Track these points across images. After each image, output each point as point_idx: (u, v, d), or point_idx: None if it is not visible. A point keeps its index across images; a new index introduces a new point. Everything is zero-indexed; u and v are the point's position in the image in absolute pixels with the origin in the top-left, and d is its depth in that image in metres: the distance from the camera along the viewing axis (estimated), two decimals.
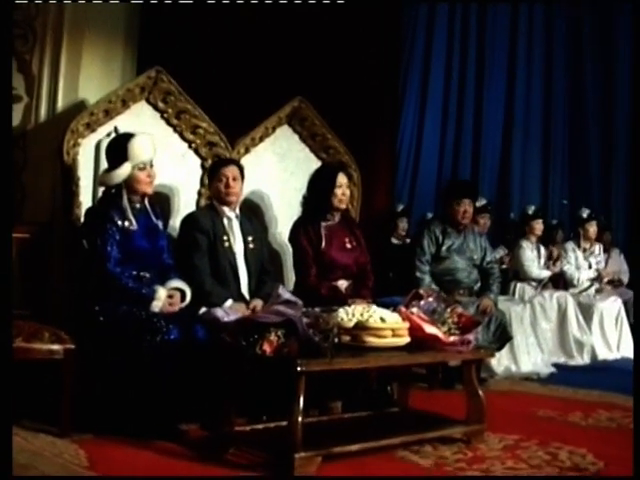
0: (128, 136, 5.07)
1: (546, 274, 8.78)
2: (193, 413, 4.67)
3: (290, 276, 6.21)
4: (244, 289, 5.54)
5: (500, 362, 7.17)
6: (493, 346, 6.52)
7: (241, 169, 5.72)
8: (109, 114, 5.56)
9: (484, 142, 10.70)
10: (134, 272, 4.93)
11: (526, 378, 7.19)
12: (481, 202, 8.39)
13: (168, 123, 5.95)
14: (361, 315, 4.54)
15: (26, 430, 4.55)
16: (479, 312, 6.52)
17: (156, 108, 5.88)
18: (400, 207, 9.29)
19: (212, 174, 5.70)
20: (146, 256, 5.01)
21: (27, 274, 5.16)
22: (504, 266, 8.83)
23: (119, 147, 5.03)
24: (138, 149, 5.01)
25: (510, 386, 6.86)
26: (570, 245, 9.26)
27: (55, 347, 4.58)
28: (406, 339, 4.63)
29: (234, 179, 5.60)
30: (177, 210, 5.93)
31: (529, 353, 7.41)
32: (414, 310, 4.83)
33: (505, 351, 7.12)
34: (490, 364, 7.07)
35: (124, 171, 4.97)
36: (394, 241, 9.01)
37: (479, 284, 6.99)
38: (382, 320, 4.55)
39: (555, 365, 7.74)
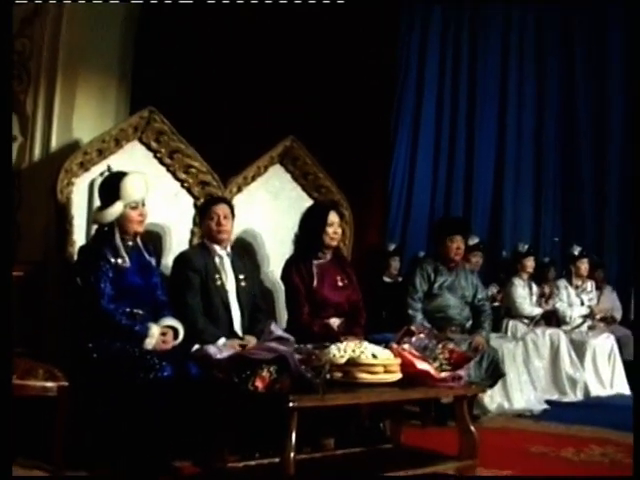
0: (120, 175, 5.15)
1: (538, 311, 8.84)
2: (186, 450, 4.71)
3: (283, 314, 6.25)
4: (237, 326, 5.57)
5: (493, 399, 7.21)
6: (485, 383, 6.58)
7: (231, 207, 5.79)
8: (102, 153, 5.63)
9: (476, 180, 10.77)
10: (127, 309, 4.97)
11: (519, 415, 7.23)
12: (473, 240, 8.47)
13: (161, 162, 6.02)
14: (353, 351, 4.58)
15: (21, 467, 4.60)
16: (471, 349, 6.55)
17: (149, 148, 5.95)
18: (392, 246, 9.35)
19: (203, 212, 5.76)
20: (139, 293, 5.06)
21: (21, 312, 5.20)
22: (496, 304, 8.89)
23: (111, 186, 5.10)
24: (130, 188, 5.07)
25: (503, 423, 6.91)
26: (562, 282, 9.33)
27: (49, 384, 4.63)
28: (398, 375, 4.67)
29: (225, 217, 5.67)
30: (170, 249, 5.97)
31: (522, 390, 7.45)
32: (406, 346, 4.88)
33: (498, 388, 7.16)
34: (483, 401, 7.11)
35: (116, 210, 5.03)
36: (386, 279, 9.07)
37: (471, 321, 7.05)
38: (374, 356, 4.59)
39: (548, 402, 7.77)
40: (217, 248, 5.67)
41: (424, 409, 6.61)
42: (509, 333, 8.56)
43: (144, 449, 4.56)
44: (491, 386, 6.80)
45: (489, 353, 6.73)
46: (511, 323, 8.72)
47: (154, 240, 5.77)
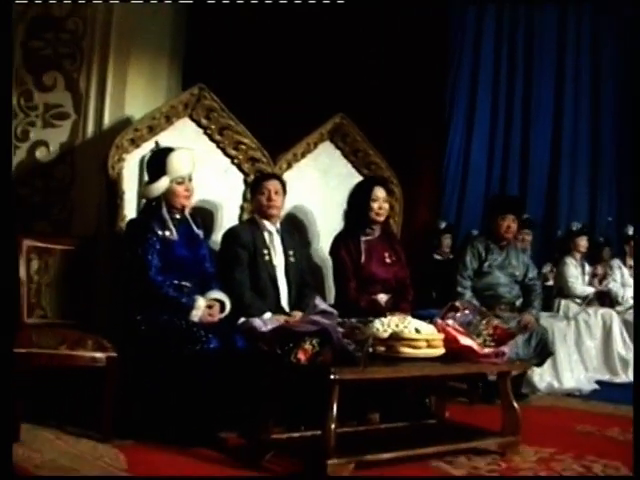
0: (167, 151, 5.27)
1: (590, 291, 8.78)
2: (232, 421, 4.81)
3: (331, 290, 6.34)
4: (284, 301, 5.67)
5: (542, 378, 7.25)
6: (533, 361, 6.63)
7: (283, 184, 5.87)
8: (153, 130, 5.74)
9: (532, 159, 10.73)
10: (175, 281, 5.09)
11: (568, 394, 7.24)
12: (524, 217, 8.42)
13: (211, 139, 6.12)
14: (396, 326, 4.64)
15: (69, 435, 4.74)
16: (520, 327, 6.59)
17: (199, 124, 6.05)
18: (443, 224, 9.34)
19: (254, 188, 5.85)
20: (187, 265, 5.18)
21: (73, 284, 5.34)
22: (548, 283, 8.88)
23: (158, 161, 5.23)
24: (176, 164, 5.19)
25: (552, 402, 6.92)
26: (616, 262, 9.25)
27: (98, 355, 4.78)
28: (441, 350, 4.72)
29: (276, 193, 5.75)
30: (220, 224, 6.08)
31: (572, 370, 7.47)
32: (450, 322, 4.93)
33: (548, 367, 7.20)
34: (532, 380, 7.15)
35: (162, 185, 5.16)
36: (437, 257, 9.08)
37: (521, 300, 7.07)
38: (417, 331, 4.65)
39: (599, 382, 7.77)
40: (267, 224, 5.76)
41: (471, 386, 6.65)
42: (561, 312, 8.54)
43: (190, 420, 4.68)
44: (539, 364, 6.84)
45: (538, 332, 6.74)
46: (563, 302, 8.69)
47: (204, 216, 5.87)
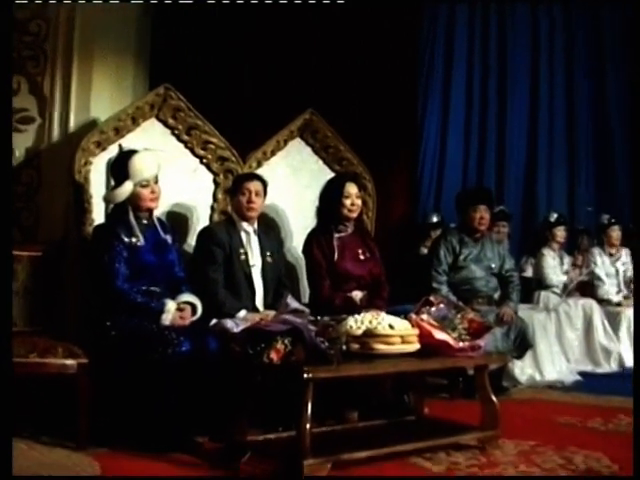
0: (130, 154, 5.27)
1: (564, 279, 8.82)
2: (207, 425, 4.81)
3: (306, 289, 6.37)
4: (259, 302, 5.71)
5: (523, 371, 7.28)
6: (513, 354, 6.68)
7: (265, 185, 5.89)
8: (119, 132, 5.75)
9: (509, 150, 10.68)
10: (143, 287, 5.10)
11: (550, 387, 7.26)
12: (498, 208, 8.45)
13: (179, 139, 6.13)
14: (370, 322, 4.68)
15: (42, 444, 4.74)
16: (498, 320, 6.64)
17: (166, 125, 6.06)
18: (434, 218, 9.26)
19: (235, 187, 5.86)
20: (155, 271, 5.18)
21: (41, 291, 5.34)
22: (526, 274, 8.91)
23: (121, 165, 5.23)
24: (140, 166, 5.19)
25: (533, 394, 6.96)
26: (596, 250, 9.29)
27: (68, 362, 4.77)
28: (416, 346, 4.77)
29: (257, 194, 5.78)
30: (190, 226, 6.11)
31: (553, 361, 7.51)
32: (424, 317, 4.96)
33: (529, 360, 7.23)
34: (513, 373, 7.18)
35: (126, 189, 5.16)
36: (424, 251, 9.03)
37: (499, 293, 7.11)
38: (391, 327, 4.69)
39: (581, 373, 7.80)
40: (244, 224, 5.79)
41: (451, 382, 6.69)
42: (541, 304, 8.57)
43: (165, 425, 4.68)
44: (518, 357, 6.89)
45: (517, 324, 6.78)
46: (543, 294, 8.71)
47: (174, 217, 5.93)
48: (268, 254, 5.84)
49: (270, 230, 6.20)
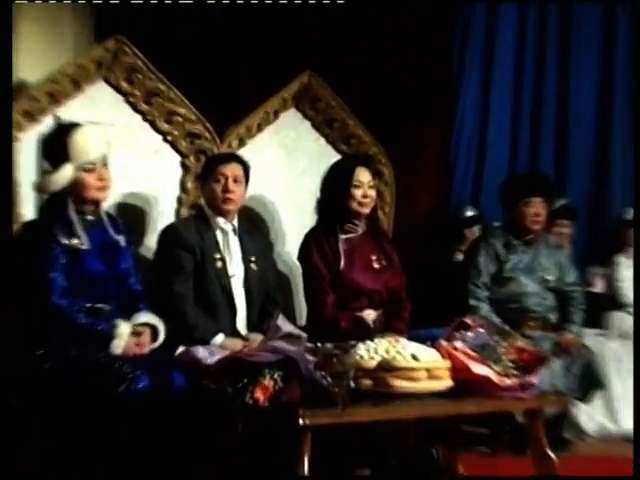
0: (69, 128, 5.16)
1: None
2: None
3: (303, 306, 6.38)
4: (240, 324, 5.74)
5: (592, 418, 7.27)
6: (576, 395, 6.68)
7: (246, 168, 5.92)
8: (56, 98, 5.77)
9: (572, 125, 10.69)
10: (87, 304, 5.04)
11: (627, 439, 7.25)
12: (559, 203, 8.42)
13: (135, 109, 6.18)
14: (386, 352, 4.68)
15: None
16: (557, 350, 6.66)
17: (118, 90, 6.11)
18: (468, 212, 9.18)
19: (206, 173, 5.89)
20: (103, 282, 5.14)
21: None
22: (594, 289, 8.89)
23: (58, 143, 5.12)
24: (82, 145, 5.08)
25: (605, 449, 6.95)
26: None
27: None
28: (447, 382, 4.77)
29: (235, 181, 5.81)
30: (149, 223, 6.17)
31: (631, 405, 7.50)
32: (458, 345, 4.97)
33: (598, 403, 7.23)
34: (578, 421, 7.17)
35: (65, 174, 5.06)
36: (458, 257, 8.99)
37: (557, 313, 7.12)
38: (414, 358, 4.68)
39: None
40: (220, 220, 5.83)
41: (494, 431, 6.70)
42: (614, 329, 8.54)
43: None
44: (584, 399, 6.88)
45: (581, 355, 6.80)
46: (616, 315, 8.67)
47: (129, 212, 5.97)
48: (252, 260, 5.87)
49: (255, 229, 6.24)
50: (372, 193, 6.17)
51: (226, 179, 5.78)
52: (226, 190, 5.77)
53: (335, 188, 6.12)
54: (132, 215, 5.99)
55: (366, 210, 6.17)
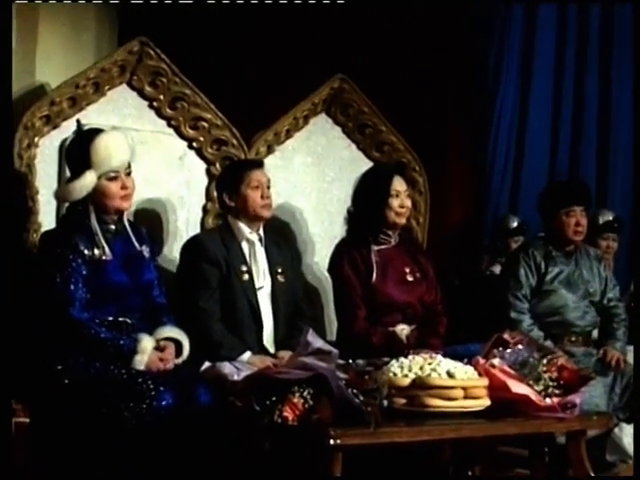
0: (92, 134, 5.15)
1: None
2: None
3: (332, 320, 6.39)
4: (267, 339, 5.73)
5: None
6: (621, 415, 6.63)
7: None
8: (77, 103, 5.77)
9: (614, 131, 10.65)
10: (110, 317, 5.05)
11: None
12: (606, 217, 8.38)
13: (159, 115, 6.18)
14: (421, 369, 4.68)
15: None
16: (601, 368, 6.62)
17: (142, 94, 6.11)
18: (514, 222, 9.14)
19: (234, 180, 5.83)
20: (126, 295, 5.13)
21: None
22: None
23: (80, 150, 5.12)
24: (105, 152, 5.06)
25: None
26: None
27: None
28: (484, 402, 4.77)
29: (269, 187, 5.82)
30: (174, 233, 6.16)
31: None
32: (496, 362, 4.96)
33: None
34: (622, 442, 7.12)
35: (87, 182, 5.04)
36: (496, 270, 8.93)
37: (598, 329, 7.07)
38: (450, 375, 4.68)
39: None
40: (246, 230, 5.80)
41: (533, 452, 6.65)
42: None
43: None
44: (629, 420, 6.83)
45: (626, 373, 6.74)
46: None
47: (151, 221, 5.95)
48: (279, 271, 5.86)
49: (282, 239, 6.21)
50: (408, 203, 6.16)
51: (262, 185, 5.78)
52: (265, 196, 5.77)
53: (371, 197, 6.09)
54: (154, 225, 5.98)
55: (403, 220, 6.17)
